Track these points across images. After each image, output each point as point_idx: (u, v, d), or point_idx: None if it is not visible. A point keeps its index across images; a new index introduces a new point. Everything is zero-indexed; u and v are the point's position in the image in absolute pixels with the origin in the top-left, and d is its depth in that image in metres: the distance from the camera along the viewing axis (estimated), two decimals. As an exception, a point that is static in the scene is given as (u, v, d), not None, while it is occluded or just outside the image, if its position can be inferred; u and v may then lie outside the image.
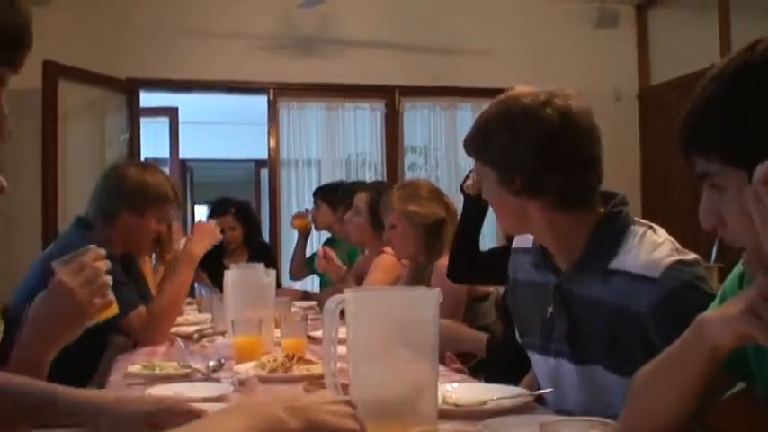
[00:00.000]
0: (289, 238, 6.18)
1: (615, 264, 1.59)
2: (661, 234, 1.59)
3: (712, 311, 1.07)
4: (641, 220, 1.66)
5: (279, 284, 4.31)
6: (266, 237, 6.06)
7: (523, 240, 1.86)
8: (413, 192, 3.05)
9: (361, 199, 3.80)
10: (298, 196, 6.13)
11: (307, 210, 5.04)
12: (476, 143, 1.71)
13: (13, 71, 1.05)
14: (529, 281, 1.80)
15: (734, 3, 5.70)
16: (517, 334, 1.87)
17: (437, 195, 3.10)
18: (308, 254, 5.08)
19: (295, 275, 5.07)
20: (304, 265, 5.03)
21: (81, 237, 2.55)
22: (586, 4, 6.53)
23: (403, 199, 3.02)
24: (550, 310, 1.68)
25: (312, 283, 5.41)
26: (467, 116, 6.45)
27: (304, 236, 4.99)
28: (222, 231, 4.84)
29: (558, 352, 1.67)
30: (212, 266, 3.80)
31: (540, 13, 6.51)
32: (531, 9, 6.50)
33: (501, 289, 2.79)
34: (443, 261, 2.78)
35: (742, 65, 1.00)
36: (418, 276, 3.01)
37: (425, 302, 1.29)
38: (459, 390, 1.66)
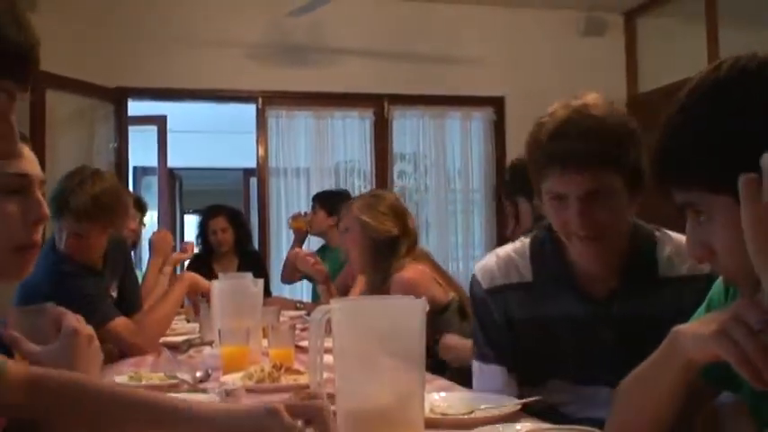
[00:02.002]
0: (278, 247, 6.18)
1: (663, 271, 1.58)
2: (669, 232, 1.59)
3: (688, 325, 1.05)
4: (647, 224, 1.67)
5: (268, 293, 4.30)
6: (255, 245, 6.05)
7: (499, 276, 1.75)
8: (373, 203, 2.96)
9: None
10: (287, 205, 6.12)
11: (305, 212, 5.03)
12: None
13: (23, 89, 1.04)
14: (548, 317, 1.69)
15: (721, 12, 5.73)
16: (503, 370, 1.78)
17: (397, 213, 2.95)
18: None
19: (287, 279, 5.02)
20: (296, 269, 5.02)
21: (47, 254, 2.56)
22: (574, 12, 6.57)
23: (361, 207, 2.95)
24: (605, 338, 1.62)
25: (303, 290, 5.40)
26: (456, 124, 6.48)
27: (300, 239, 4.95)
28: (215, 233, 4.91)
29: (596, 379, 1.62)
30: (202, 271, 3.79)
31: (529, 21, 6.54)
32: (520, 18, 6.52)
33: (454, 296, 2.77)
34: (403, 274, 2.74)
35: (710, 88, 0.97)
36: (372, 293, 2.92)
37: (412, 312, 1.29)
38: (447, 399, 1.65)
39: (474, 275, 1.82)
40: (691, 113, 0.98)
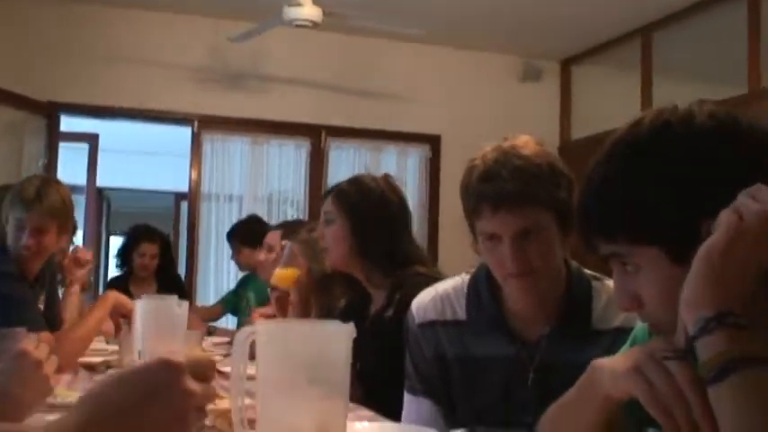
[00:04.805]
0: (205, 272, 6.09)
1: (597, 322, 1.60)
2: (608, 281, 1.60)
3: (606, 360, 1.05)
4: (587, 271, 1.69)
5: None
6: (183, 270, 5.95)
7: (433, 311, 1.75)
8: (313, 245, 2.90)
9: (274, 238, 3.76)
10: (217, 230, 6.03)
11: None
12: None
13: None
14: (478, 356, 1.68)
15: (656, 63, 5.92)
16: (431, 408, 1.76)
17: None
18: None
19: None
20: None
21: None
22: (513, 57, 6.71)
23: (303, 252, 2.88)
24: (529, 381, 1.62)
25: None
26: (392, 159, 6.51)
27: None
28: (142, 256, 4.76)
29: (526, 424, 1.58)
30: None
31: (468, 64, 6.65)
32: (460, 59, 6.63)
33: None
34: None
35: (632, 142, 0.98)
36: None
37: (338, 337, 1.27)
38: (369, 429, 1.63)
39: (410, 309, 1.82)
40: (613, 167, 0.99)
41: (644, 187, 0.95)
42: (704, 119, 0.96)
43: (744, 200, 0.85)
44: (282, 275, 2.73)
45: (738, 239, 0.83)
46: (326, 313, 2.68)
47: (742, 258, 0.83)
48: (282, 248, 3.01)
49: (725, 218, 0.85)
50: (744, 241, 0.83)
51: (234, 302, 4.68)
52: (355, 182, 2.37)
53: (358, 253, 2.30)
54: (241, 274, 5.05)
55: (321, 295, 2.73)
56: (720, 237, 0.84)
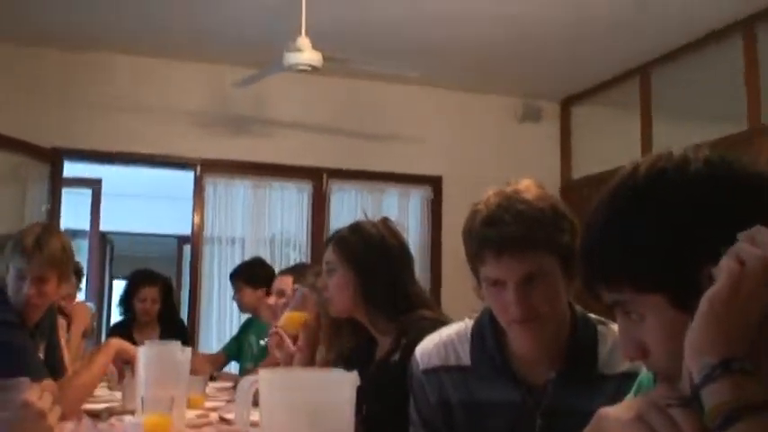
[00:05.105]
0: (208, 317, 6.07)
1: (602, 367, 1.59)
2: (613, 326, 1.59)
3: (612, 408, 1.04)
4: (592, 315, 1.68)
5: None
6: (185, 314, 5.93)
7: (437, 357, 1.75)
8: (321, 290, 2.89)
9: (285, 282, 3.76)
10: (220, 274, 6.03)
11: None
12: None
13: None
14: (483, 401, 1.68)
15: (655, 102, 5.95)
16: None
17: None
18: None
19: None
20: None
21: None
22: (512, 98, 6.77)
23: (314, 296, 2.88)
24: (536, 427, 1.61)
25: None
26: (393, 201, 6.53)
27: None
28: (143, 301, 4.75)
29: None
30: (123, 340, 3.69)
31: (468, 105, 6.70)
32: (459, 101, 6.68)
33: None
34: None
35: (629, 190, 0.99)
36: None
37: (341, 386, 1.27)
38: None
39: (414, 355, 1.81)
40: (612, 217, 0.99)
41: (643, 235, 0.95)
42: (699, 165, 0.97)
43: (744, 245, 0.85)
44: (290, 319, 2.74)
45: (741, 286, 0.83)
46: (338, 357, 2.67)
47: (745, 304, 0.83)
48: (294, 292, 3.01)
49: (726, 265, 0.85)
50: (746, 287, 0.83)
51: (236, 348, 4.66)
52: (355, 229, 2.37)
53: (361, 300, 2.29)
54: (243, 318, 5.04)
55: (335, 339, 2.72)
56: (723, 284, 0.84)
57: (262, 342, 3.07)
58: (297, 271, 3.90)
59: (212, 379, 3.97)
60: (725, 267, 0.85)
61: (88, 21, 5.31)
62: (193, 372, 4.20)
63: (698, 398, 0.84)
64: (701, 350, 0.84)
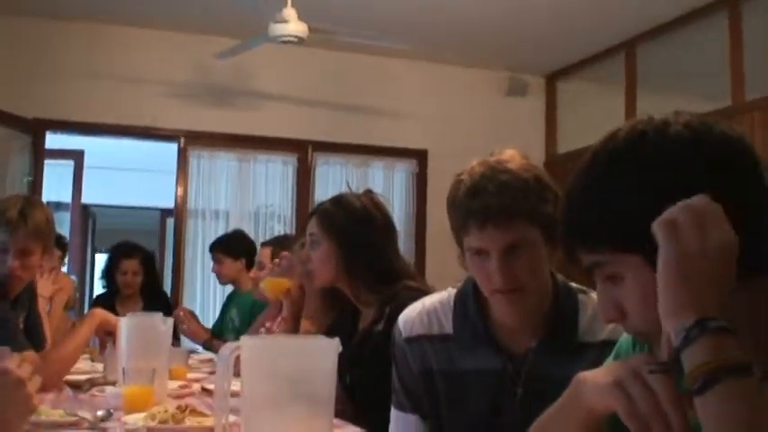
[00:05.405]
0: (192, 290, 6.06)
1: (583, 335, 1.60)
2: (594, 294, 1.60)
3: (590, 373, 1.04)
4: (573, 284, 1.68)
5: (176, 338, 4.12)
6: (168, 288, 5.91)
7: (420, 326, 1.75)
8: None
9: (265, 254, 3.75)
10: (204, 247, 6.00)
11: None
12: None
13: None
14: (464, 370, 1.68)
15: (640, 76, 5.97)
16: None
17: None
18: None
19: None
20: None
21: None
22: (498, 73, 6.75)
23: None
24: (517, 395, 1.62)
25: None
26: (379, 174, 6.52)
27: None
28: (124, 274, 4.74)
29: None
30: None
31: (454, 78, 6.68)
32: (446, 74, 6.66)
33: None
34: None
35: (609, 152, 0.99)
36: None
37: (324, 353, 1.26)
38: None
39: (396, 323, 1.81)
40: (592, 178, 1.00)
41: (623, 195, 0.96)
42: (679, 128, 0.97)
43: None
44: (273, 284, 2.72)
45: (679, 239, 0.86)
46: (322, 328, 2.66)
47: (698, 261, 0.85)
48: (273, 265, 3.00)
49: (657, 223, 0.88)
50: (684, 241, 0.86)
51: (220, 326, 4.63)
52: (339, 201, 2.37)
53: (345, 272, 2.30)
54: (227, 291, 5.02)
55: (321, 314, 2.72)
56: (663, 242, 0.87)
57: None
58: (278, 242, 3.89)
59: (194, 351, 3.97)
60: (658, 226, 0.87)
61: (70, -10, 5.24)
62: (196, 334, 4.20)
63: (678, 361, 0.84)
64: (675, 312, 0.85)
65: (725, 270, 0.85)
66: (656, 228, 0.88)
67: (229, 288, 4.87)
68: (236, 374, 1.29)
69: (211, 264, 4.73)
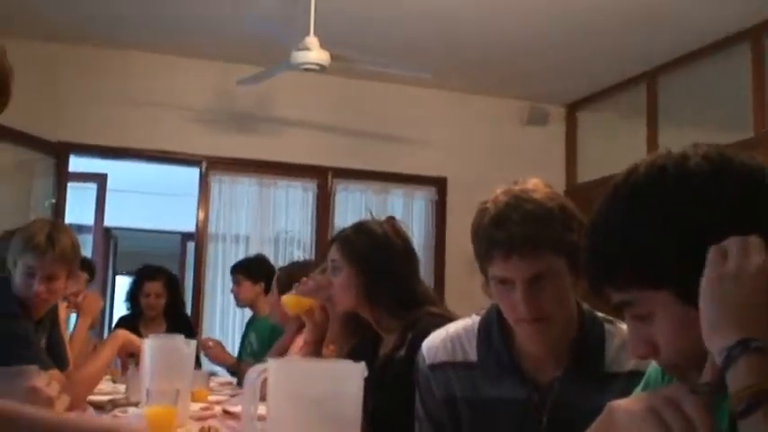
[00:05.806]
0: (211, 314, 6.08)
1: (610, 365, 1.59)
2: (620, 324, 1.59)
3: (622, 401, 1.05)
4: (599, 314, 1.67)
5: (198, 362, 4.11)
6: (189, 311, 5.93)
7: (443, 353, 1.75)
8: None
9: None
10: (224, 271, 6.02)
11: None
12: None
13: None
14: (489, 398, 1.67)
15: (662, 107, 5.96)
16: None
17: None
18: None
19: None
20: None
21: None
22: (519, 102, 6.77)
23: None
24: (543, 424, 1.60)
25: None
26: (398, 201, 6.53)
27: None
28: (148, 296, 4.77)
29: None
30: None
31: (474, 107, 6.70)
32: (466, 103, 6.68)
33: None
34: None
35: (629, 188, 1.00)
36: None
37: (351, 376, 1.27)
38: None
39: (420, 350, 1.81)
40: (613, 216, 1.00)
41: (646, 232, 0.96)
42: (698, 159, 0.98)
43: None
44: (295, 301, 2.71)
45: (727, 263, 0.87)
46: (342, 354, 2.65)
47: (740, 282, 0.86)
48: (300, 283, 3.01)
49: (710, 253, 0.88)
50: (732, 265, 0.87)
51: (240, 351, 4.64)
52: (360, 228, 2.37)
53: (365, 299, 2.30)
54: (246, 316, 5.03)
55: (344, 338, 2.71)
56: (710, 265, 0.88)
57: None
58: (295, 268, 3.89)
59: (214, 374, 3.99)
60: (711, 251, 0.88)
61: (97, 16, 5.32)
62: (223, 360, 4.19)
63: (723, 381, 0.85)
64: (717, 332, 0.85)
65: (763, 293, 0.86)
66: (709, 253, 0.88)
67: (248, 312, 4.89)
68: (261, 399, 1.30)
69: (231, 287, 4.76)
